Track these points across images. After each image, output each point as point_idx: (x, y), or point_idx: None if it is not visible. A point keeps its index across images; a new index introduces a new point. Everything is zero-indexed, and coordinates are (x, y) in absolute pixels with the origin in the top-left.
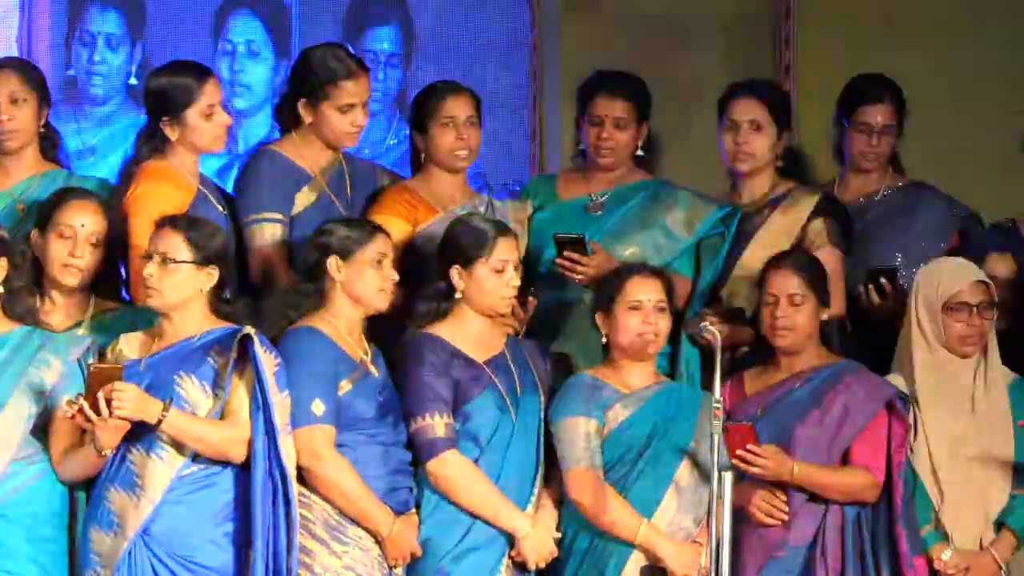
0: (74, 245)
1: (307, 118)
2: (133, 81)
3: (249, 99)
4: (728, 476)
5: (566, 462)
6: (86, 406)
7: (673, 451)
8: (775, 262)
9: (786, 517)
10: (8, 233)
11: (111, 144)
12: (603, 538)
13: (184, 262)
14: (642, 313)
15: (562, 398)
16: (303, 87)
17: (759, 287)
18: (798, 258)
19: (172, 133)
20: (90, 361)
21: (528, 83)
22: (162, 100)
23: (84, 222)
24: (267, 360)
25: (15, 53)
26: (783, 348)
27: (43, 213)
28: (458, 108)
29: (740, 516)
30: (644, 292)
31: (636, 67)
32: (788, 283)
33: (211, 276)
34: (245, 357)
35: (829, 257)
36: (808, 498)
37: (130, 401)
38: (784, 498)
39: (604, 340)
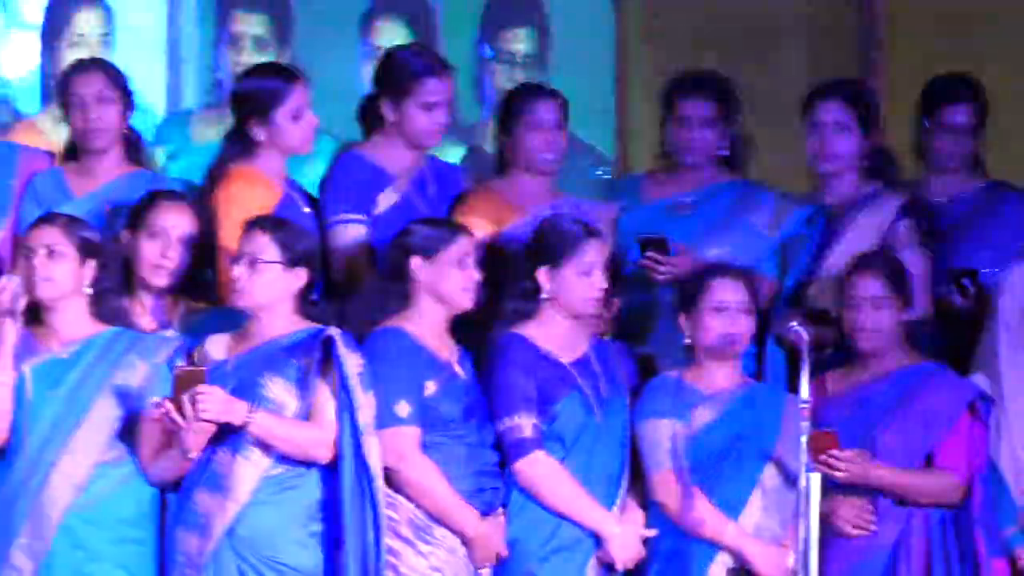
0: (165, 246)
1: (390, 117)
2: None
3: None
4: (816, 477)
5: (650, 464)
6: (171, 408)
7: (758, 453)
8: (859, 264)
9: (873, 527)
10: (98, 235)
11: None
12: (688, 540)
13: (273, 263)
14: (725, 314)
15: (646, 399)
16: (387, 86)
17: (842, 289)
18: (882, 260)
19: (260, 135)
20: (177, 363)
21: (613, 83)
22: (250, 102)
23: (175, 223)
24: (351, 361)
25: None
26: (866, 350)
27: (134, 214)
28: (547, 112)
29: (823, 520)
30: (727, 293)
31: (722, 67)
32: (871, 286)
33: (299, 278)
34: (329, 358)
35: (915, 258)
36: (893, 501)
37: (215, 403)
38: (871, 508)
39: (687, 342)
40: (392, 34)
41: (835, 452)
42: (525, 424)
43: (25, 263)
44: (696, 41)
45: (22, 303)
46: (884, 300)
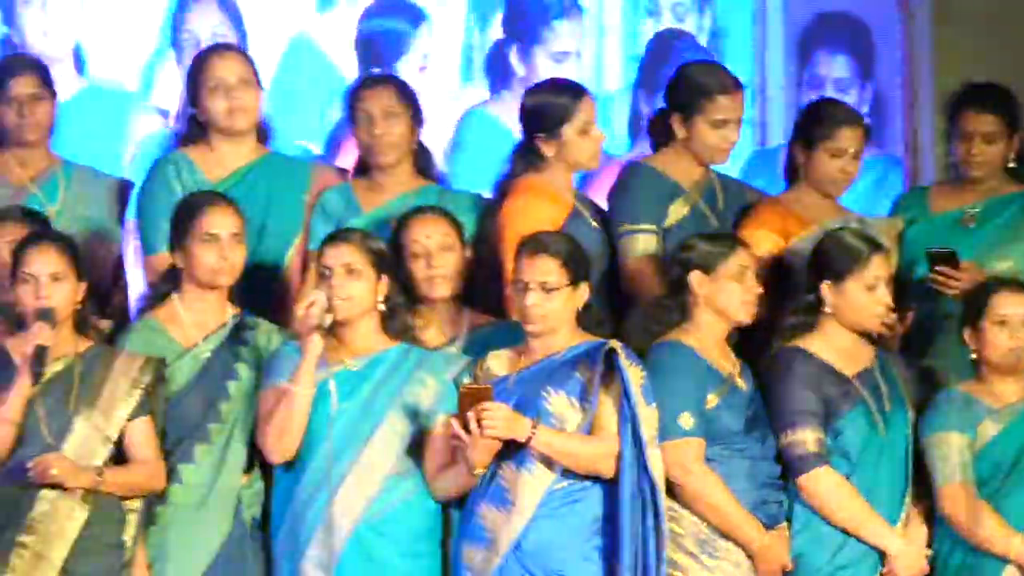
0: (428, 257)
1: (680, 133)
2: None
3: None
4: None
5: (939, 477)
6: (457, 425)
7: None
8: None
9: None
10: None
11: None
12: (976, 554)
13: (563, 287)
14: (1009, 328)
15: (934, 413)
16: (678, 102)
17: None
18: None
19: (548, 149)
20: (464, 380)
21: (901, 94)
22: (538, 117)
23: (428, 233)
24: (633, 373)
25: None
26: None
27: (393, 233)
28: (851, 141)
29: None
30: (1011, 307)
31: (1011, 75)
32: None
33: (584, 293)
34: (611, 371)
35: None
36: None
37: (500, 420)
38: None
39: (973, 356)
40: None
41: None
42: (809, 438)
43: (322, 281)
44: (984, 49)
45: (328, 319)
46: None
